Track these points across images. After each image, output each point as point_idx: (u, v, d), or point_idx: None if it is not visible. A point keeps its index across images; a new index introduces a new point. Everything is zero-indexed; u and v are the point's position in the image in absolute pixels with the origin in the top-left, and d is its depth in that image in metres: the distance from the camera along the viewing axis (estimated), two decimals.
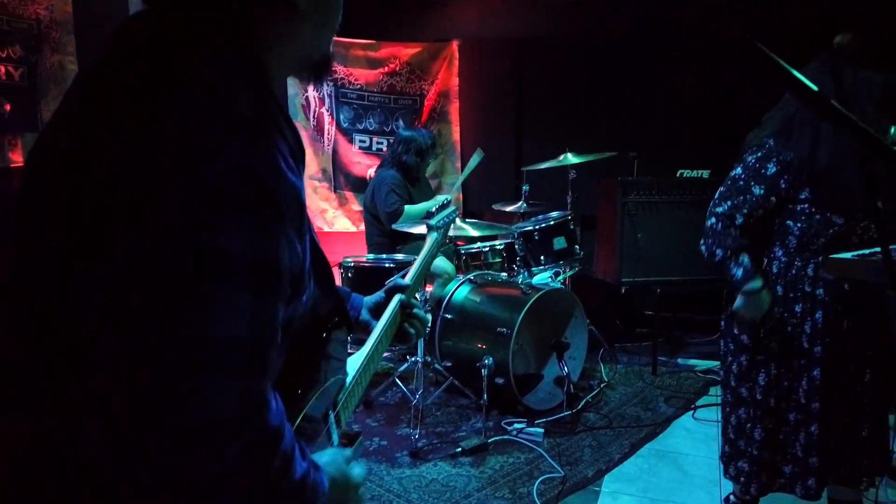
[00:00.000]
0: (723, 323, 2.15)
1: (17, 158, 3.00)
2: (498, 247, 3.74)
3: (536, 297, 3.21)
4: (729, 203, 1.95)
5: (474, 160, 3.96)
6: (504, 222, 4.31)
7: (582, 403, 3.32)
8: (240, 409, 0.68)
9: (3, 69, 2.94)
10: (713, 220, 1.99)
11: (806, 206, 1.89)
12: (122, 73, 0.76)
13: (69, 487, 0.72)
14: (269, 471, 0.72)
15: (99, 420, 0.69)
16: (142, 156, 0.69)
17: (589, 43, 4.71)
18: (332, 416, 1.03)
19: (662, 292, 3.91)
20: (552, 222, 3.65)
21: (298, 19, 0.84)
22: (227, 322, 0.67)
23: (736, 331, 2.06)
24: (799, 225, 1.91)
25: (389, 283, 1.33)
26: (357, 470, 0.98)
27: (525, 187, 4.02)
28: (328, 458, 0.93)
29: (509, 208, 4.12)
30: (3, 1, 2.94)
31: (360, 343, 1.23)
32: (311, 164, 4.89)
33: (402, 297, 1.30)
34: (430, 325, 3.42)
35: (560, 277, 3.68)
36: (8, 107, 2.83)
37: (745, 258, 1.92)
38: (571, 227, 3.70)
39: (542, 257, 3.60)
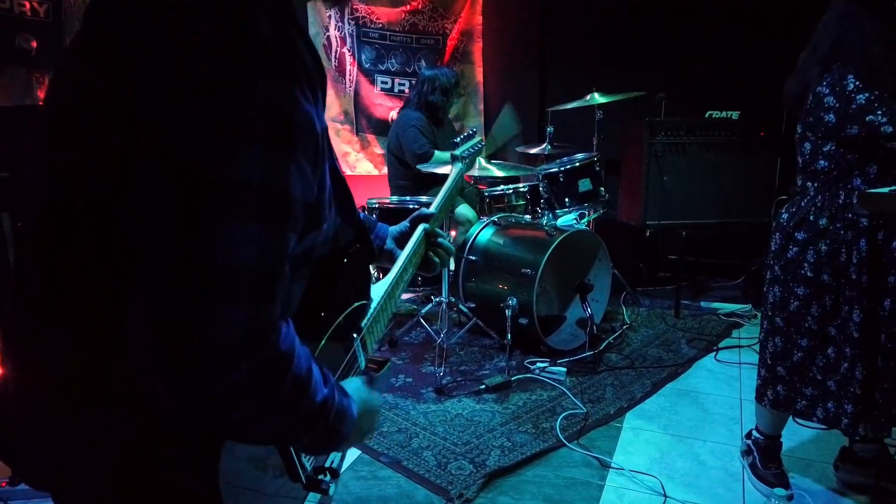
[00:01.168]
0: (777, 269, 2.07)
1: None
2: (521, 189, 3.72)
3: (561, 238, 3.21)
4: (867, 95, 1.83)
5: (507, 119, 3.93)
6: (528, 165, 4.28)
7: (604, 344, 3.35)
8: (246, 333, 0.70)
9: (28, 6, 2.92)
10: (878, 112, 1.82)
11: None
12: (138, 4, 0.75)
13: (109, 415, 0.76)
14: (281, 393, 0.74)
15: (123, 346, 0.71)
16: (158, 82, 0.69)
17: None
18: (357, 340, 1.05)
19: (687, 236, 3.89)
20: (577, 164, 3.60)
21: None
22: (235, 250, 0.69)
23: (809, 273, 1.99)
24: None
25: (414, 214, 1.34)
26: (377, 395, 1.01)
27: (550, 129, 3.97)
28: (355, 385, 0.96)
29: (533, 150, 4.07)
30: None
31: (386, 272, 1.25)
32: (333, 107, 4.84)
33: (427, 226, 1.31)
34: (453, 264, 3.45)
35: (585, 220, 3.67)
36: (34, 43, 2.82)
37: None
38: (597, 168, 3.66)
39: (566, 199, 3.58)
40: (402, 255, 1.23)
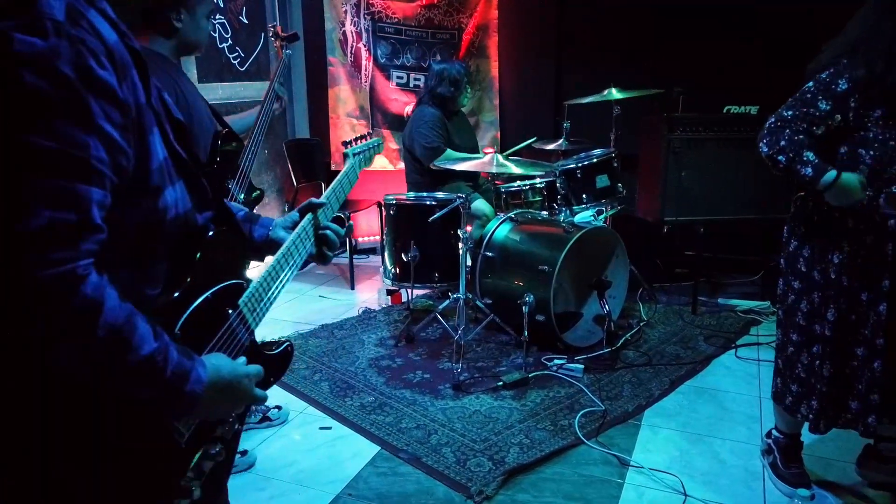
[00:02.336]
0: (783, 262, 2.11)
1: None
2: (538, 185, 3.70)
3: (579, 235, 3.20)
4: (791, 113, 1.91)
5: (525, 143, 4.00)
6: (543, 160, 4.27)
7: (621, 341, 3.34)
8: (42, 278, 0.78)
9: None
10: (772, 119, 1.95)
11: (879, 131, 1.83)
12: None
13: None
14: (92, 339, 0.82)
15: None
16: None
17: None
18: (233, 314, 1.10)
19: (705, 232, 3.86)
20: (595, 160, 3.59)
21: None
22: (30, 203, 0.78)
23: (803, 268, 2.02)
24: (871, 153, 1.85)
25: (304, 203, 1.38)
26: (247, 370, 1.06)
27: (566, 124, 3.95)
28: (216, 357, 1.02)
29: (550, 146, 4.05)
30: None
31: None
32: (349, 102, 4.85)
33: (312, 216, 1.34)
34: (470, 260, 3.44)
35: (602, 216, 3.65)
36: None
37: (808, 154, 1.87)
38: (615, 164, 3.64)
39: (584, 196, 3.56)
40: (288, 240, 1.27)
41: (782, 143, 1.89)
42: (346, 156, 1.61)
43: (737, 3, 4.25)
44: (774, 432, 2.30)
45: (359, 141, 1.65)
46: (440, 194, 3.65)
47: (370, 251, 5.18)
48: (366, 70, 4.81)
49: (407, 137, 4.01)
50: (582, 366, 3.06)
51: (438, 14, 4.83)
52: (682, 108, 4.09)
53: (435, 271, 3.47)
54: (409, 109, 4.77)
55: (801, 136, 1.88)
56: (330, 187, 1.48)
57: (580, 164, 3.55)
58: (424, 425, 2.61)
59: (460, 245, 3.19)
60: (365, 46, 4.77)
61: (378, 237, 4.87)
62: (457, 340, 3.09)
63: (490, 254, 3.45)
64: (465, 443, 2.47)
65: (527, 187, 3.73)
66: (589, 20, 4.67)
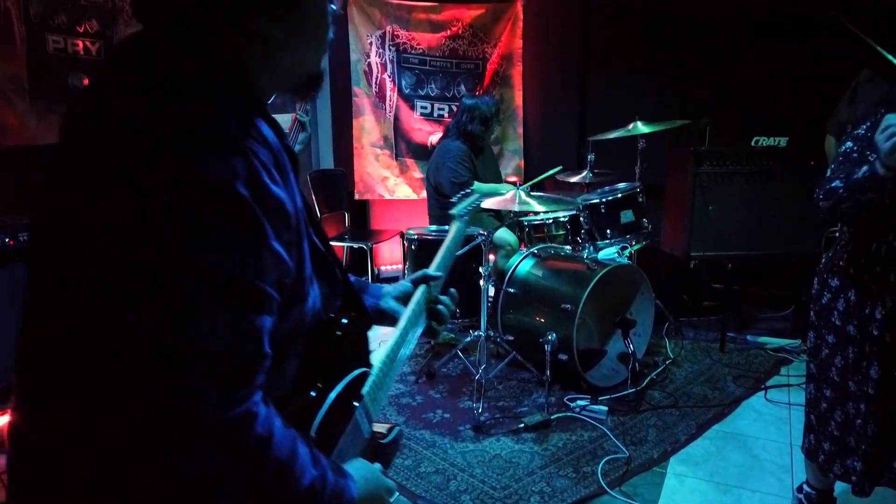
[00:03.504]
0: (813, 314, 2.04)
1: None
2: (562, 219, 3.67)
3: (602, 273, 3.15)
4: (838, 182, 1.80)
5: (552, 171, 4.02)
6: (567, 192, 4.23)
7: (646, 381, 3.27)
8: (219, 421, 0.71)
9: (81, 44, 3.02)
10: (820, 193, 1.83)
11: None
12: (109, 89, 0.79)
13: (76, 477, 0.78)
14: (262, 476, 0.75)
15: (92, 416, 0.74)
16: (124, 169, 0.71)
17: (659, 2, 4.47)
18: (359, 408, 1.03)
19: (733, 267, 3.78)
20: (619, 195, 3.54)
21: (276, 47, 0.85)
22: (207, 338, 0.70)
23: (838, 321, 1.94)
24: None
25: (418, 274, 1.32)
26: (379, 475, 1.01)
27: (591, 156, 3.91)
28: (357, 465, 0.95)
29: (573, 179, 4.01)
30: None
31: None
32: (373, 132, 4.88)
33: (426, 287, 1.29)
34: (490, 298, 3.41)
35: (626, 252, 3.59)
36: (86, 81, 2.91)
37: (860, 170, 1.73)
38: (640, 199, 3.59)
39: (608, 231, 3.51)
40: (403, 318, 1.21)
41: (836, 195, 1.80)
42: (451, 217, 1.56)
43: (764, 32, 4.20)
44: (806, 487, 2.21)
45: (462, 199, 1.60)
46: None
47: (393, 279, 5.18)
48: (390, 100, 4.84)
49: (432, 171, 4.00)
50: (606, 407, 2.99)
51: (463, 44, 4.85)
52: (709, 140, 4.03)
53: (457, 306, 3.43)
54: (433, 139, 4.79)
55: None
56: (439, 255, 1.41)
57: (604, 199, 3.50)
58: (444, 470, 2.57)
59: (482, 281, 3.17)
60: (390, 77, 4.81)
61: (401, 266, 4.87)
62: (477, 379, 3.05)
63: (512, 290, 3.42)
64: (485, 490, 2.43)
65: (550, 221, 3.70)
66: (613, 50, 4.65)
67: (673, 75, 4.44)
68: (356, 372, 1.04)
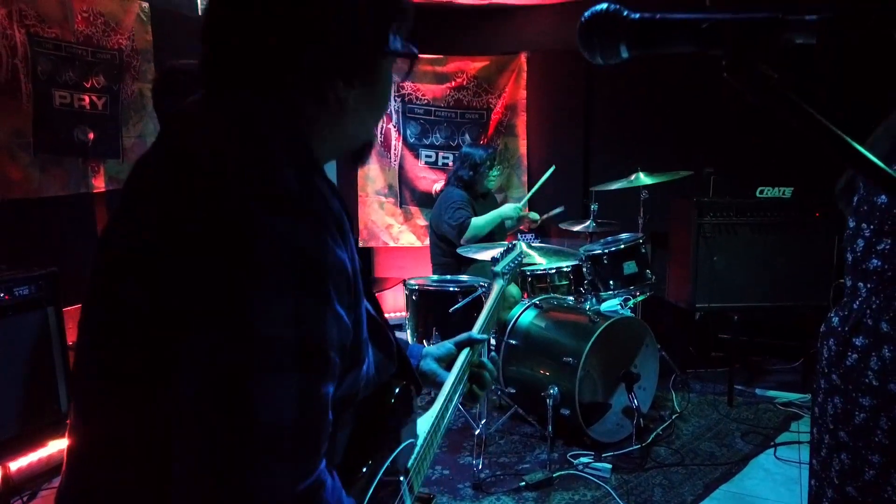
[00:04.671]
0: (836, 378, 1.95)
1: (99, 185, 3.14)
2: (565, 269, 3.65)
3: (604, 326, 3.10)
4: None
5: (547, 174, 4.00)
6: (571, 241, 4.21)
7: (652, 437, 3.18)
8: (293, 493, 0.68)
9: (87, 99, 3.08)
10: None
11: None
12: (171, 155, 0.78)
13: None
14: None
15: (156, 476, 0.71)
16: (185, 238, 0.70)
17: (662, 54, 4.52)
18: (404, 483, 1.00)
19: (740, 319, 3.72)
20: (622, 245, 3.52)
21: (346, 113, 0.84)
22: (276, 408, 0.68)
23: (875, 381, 1.86)
24: None
25: (462, 336, 1.28)
26: None
27: (594, 206, 3.91)
28: None
29: (577, 228, 4.01)
30: (89, 33, 3.08)
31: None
32: (378, 180, 4.92)
33: (469, 351, 1.25)
34: (494, 341, 3.37)
35: (630, 303, 3.55)
36: (91, 135, 2.95)
37: None
38: (643, 250, 3.56)
39: (610, 282, 3.48)
40: (448, 384, 1.17)
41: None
42: (493, 275, 1.53)
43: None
44: None
45: (504, 255, 1.56)
46: (464, 278, 3.61)
47: (396, 328, 5.13)
48: (395, 149, 4.89)
49: (434, 219, 4.02)
50: (609, 465, 2.91)
51: (467, 95, 4.92)
52: (713, 190, 4.02)
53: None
54: (437, 187, 4.82)
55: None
56: (483, 315, 1.37)
57: (607, 250, 3.48)
58: None
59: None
60: (395, 127, 4.87)
61: (405, 313, 4.84)
62: (478, 434, 2.99)
63: (514, 341, 3.37)
64: None
65: (553, 271, 3.68)
66: (616, 100, 4.69)
67: (676, 126, 4.46)
68: (404, 444, 1.01)
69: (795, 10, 0.64)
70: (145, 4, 3.40)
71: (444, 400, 1.15)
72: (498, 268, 1.55)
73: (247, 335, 0.67)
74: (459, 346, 1.25)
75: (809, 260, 3.66)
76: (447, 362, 1.23)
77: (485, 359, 1.28)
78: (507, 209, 3.94)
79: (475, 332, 1.30)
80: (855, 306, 1.90)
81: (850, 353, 1.89)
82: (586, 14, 0.72)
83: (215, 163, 0.73)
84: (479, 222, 3.79)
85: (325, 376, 0.73)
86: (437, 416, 1.13)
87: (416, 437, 1.07)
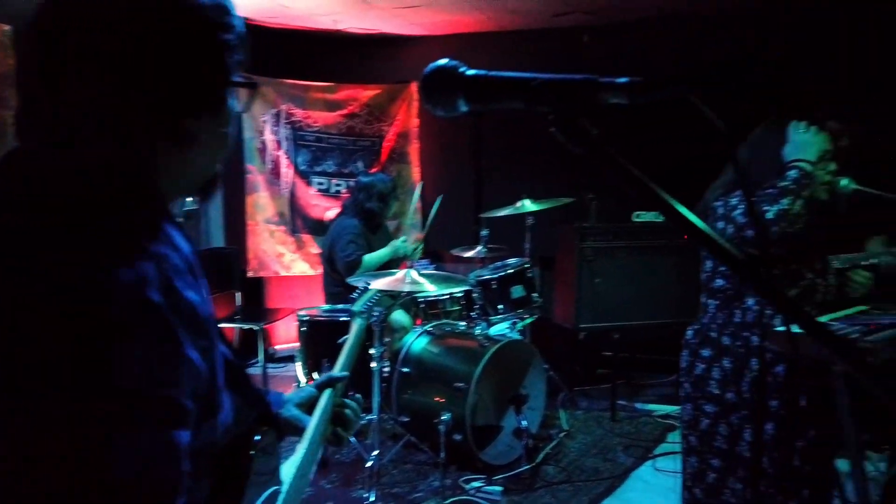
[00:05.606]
0: (688, 386, 2.12)
1: None
2: (456, 294, 3.71)
3: (494, 350, 3.18)
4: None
5: (436, 204, 4.05)
6: (464, 266, 4.30)
7: (541, 456, 3.28)
8: None
9: None
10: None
11: None
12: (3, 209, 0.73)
13: None
14: None
15: None
16: (22, 292, 0.66)
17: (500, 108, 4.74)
18: None
19: (621, 336, 3.93)
20: (510, 270, 3.63)
21: (194, 147, 0.83)
22: (128, 461, 0.65)
23: (716, 390, 2.03)
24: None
25: (323, 377, 1.27)
26: None
27: (484, 232, 4.01)
28: None
29: (469, 253, 4.09)
30: None
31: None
32: (268, 208, 4.81)
33: (332, 391, 1.24)
34: (388, 369, 3.36)
35: (518, 326, 3.67)
36: None
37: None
38: (529, 275, 3.69)
39: (500, 306, 3.58)
40: (310, 428, 1.15)
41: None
42: (352, 314, 1.54)
43: (640, 113, 4.53)
44: None
45: (361, 295, 1.59)
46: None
47: (288, 359, 5.01)
48: (286, 177, 4.82)
49: (326, 248, 3.97)
50: (500, 487, 2.97)
51: (360, 123, 4.94)
52: (595, 215, 4.24)
53: (350, 388, 3.35)
54: (329, 214, 4.78)
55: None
56: (343, 356, 1.37)
57: (495, 275, 3.58)
58: None
59: (373, 363, 3.12)
60: (285, 154, 4.80)
61: (297, 343, 4.74)
62: (370, 466, 2.96)
63: (406, 369, 3.38)
64: None
65: (444, 297, 3.74)
66: (504, 129, 4.87)
67: (560, 154, 4.66)
68: (268, 492, 0.98)
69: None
70: (7, 27, 3.19)
71: (309, 444, 1.14)
72: (356, 307, 1.59)
73: (97, 388, 0.64)
74: (321, 388, 1.24)
75: (681, 279, 3.92)
76: (308, 406, 1.20)
77: (348, 399, 1.28)
78: (398, 245, 3.94)
79: (336, 371, 1.31)
80: (704, 321, 2.09)
81: (697, 364, 2.08)
82: (427, 69, 0.76)
83: (50, 216, 0.70)
84: (370, 260, 3.78)
85: (176, 423, 0.70)
86: (301, 462, 1.12)
87: (280, 483, 1.05)
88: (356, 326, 1.51)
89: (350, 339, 1.45)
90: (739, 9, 4.25)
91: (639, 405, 4.05)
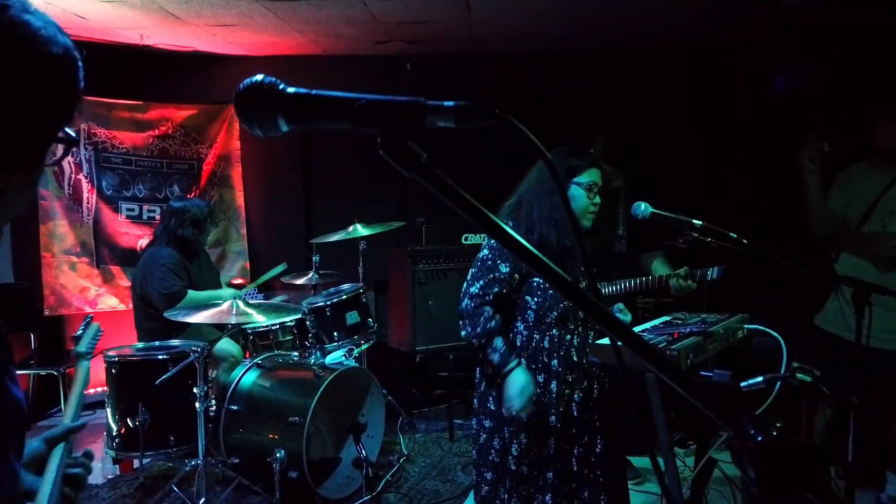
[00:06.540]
0: (475, 401, 2.19)
1: None
2: (289, 324, 3.56)
3: (329, 379, 3.07)
4: (481, 283, 2.02)
5: (277, 269, 3.94)
6: (295, 294, 4.14)
7: (381, 484, 3.22)
8: None
9: None
10: (466, 300, 2.04)
11: (541, 280, 2.01)
12: None
13: None
14: None
15: None
16: None
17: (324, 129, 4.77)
18: None
19: (456, 357, 4.00)
20: (344, 296, 3.55)
21: (1, 201, 0.76)
22: None
23: (493, 406, 2.11)
24: (536, 299, 2.04)
25: (55, 430, 1.11)
26: None
27: (316, 258, 3.90)
28: None
29: (300, 280, 3.96)
30: None
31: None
32: (68, 238, 4.29)
33: (65, 446, 1.08)
34: (215, 406, 3.11)
35: (355, 352, 3.59)
36: None
37: (498, 341, 1.98)
38: (364, 300, 3.64)
39: (335, 333, 3.48)
40: (45, 491, 0.99)
41: (478, 329, 1.99)
42: (78, 356, 1.39)
43: (466, 140, 4.70)
44: None
45: (85, 331, 1.47)
46: (175, 342, 3.30)
47: (97, 405, 4.47)
48: (88, 203, 4.33)
49: (139, 281, 3.60)
50: None
51: (174, 144, 4.60)
52: (425, 238, 4.31)
53: (170, 434, 3.06)
54: (142, 243, 4.36)
55: (491, 317, 1.99)
56: (72, 402, 1.24)
57: (329, 302, 3.48)
58: None
59: (197, 403, 2.87)
60: (86, 178, 4.32)
61: (105, 387, 4.25)
62: None
63: (235, 407, 3.15)
64: None
65: (276, 326, 3.56)
66: (333, 153, 4.81)
67: (390, 178, 4.71)
68: None
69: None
70: None
71: None
72: (81, 348, 1.47)
73: None
74: (52, 443, 1.08)
75: None
76: (37, 465, 1.04)
77: (77, 456, 1.13)
78: (228, 295, 3.62)
79: (68, 420, 1.17)
80: (532, 346, 2.15)
81: (481, 381, 2.17)
82: (241, 85, 0.69)
83: None
84: (197, 297, 3.46)
85: None
86: None
87: None
88: (83, 369, 1.40)
89: (77, 385, 1.33)
90: (551, 48, 4.60)
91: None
